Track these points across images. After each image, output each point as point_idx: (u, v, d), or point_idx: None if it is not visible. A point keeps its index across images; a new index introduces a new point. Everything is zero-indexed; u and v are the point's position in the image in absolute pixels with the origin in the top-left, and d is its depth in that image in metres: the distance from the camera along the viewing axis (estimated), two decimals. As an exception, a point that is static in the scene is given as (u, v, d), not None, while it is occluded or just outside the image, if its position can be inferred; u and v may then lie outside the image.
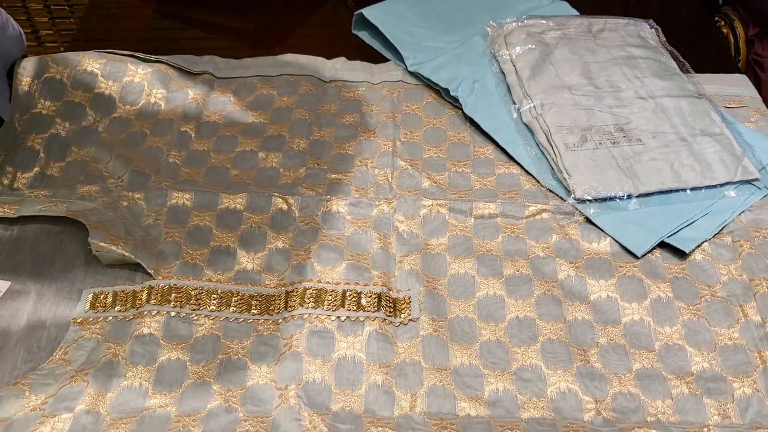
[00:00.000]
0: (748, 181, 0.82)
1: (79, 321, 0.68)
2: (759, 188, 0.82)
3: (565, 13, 1.04)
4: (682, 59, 0.97)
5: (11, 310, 0.69)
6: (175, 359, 0.65)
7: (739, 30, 1.16)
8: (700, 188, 0.81)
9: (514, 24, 0.98)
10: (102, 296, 0.70)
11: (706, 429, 0.62)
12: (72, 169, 0.82)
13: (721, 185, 0.82)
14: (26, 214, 0.75)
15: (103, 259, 0.72)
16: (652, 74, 0.92)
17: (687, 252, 0.75)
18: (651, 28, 1.01)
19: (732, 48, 1.17)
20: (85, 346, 0.66)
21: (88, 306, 0.69)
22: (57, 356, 0.65)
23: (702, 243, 0.76)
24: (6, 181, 0.80)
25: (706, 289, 0.73)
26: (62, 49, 1.15)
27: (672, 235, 0.76)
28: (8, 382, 0.63)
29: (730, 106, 0.93)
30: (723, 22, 1.20)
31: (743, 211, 0.80)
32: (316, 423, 0.60)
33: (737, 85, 0.96)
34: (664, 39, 1.00)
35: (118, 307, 0.69)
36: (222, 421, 0.61)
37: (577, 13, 1.05)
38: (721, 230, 0.78)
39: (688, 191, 0.81)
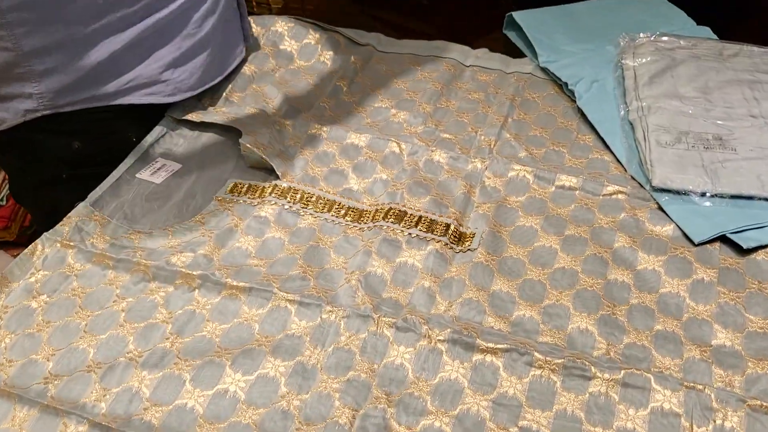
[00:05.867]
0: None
1: (219, 198, 0.88)
2: None
3: (703, 36, 1.09)
4: (814, 92, 0.98)
5: (176, 183, 0.91)
6: (277, 237, 0.83)
7: None
8: (781, 200, 0.84)
9: (646, 38, 1.06)
10: (240, 185, 0.90)
11: (702, 386, 0.66)
12: (248, 99, 1.04)
13: (807, 203, 0.84)
14: (206, 120, 0.97)
15: (247, 161, 0.93)
16: (772, 98, 0.96)
17: (745, 248, 0.79)
18: (791, 60, 1.04)
19: None
20: (217, 216, 0.86)
21: (228, 190, 0.90)
22: (197, 218, 0.86)
23: (766, 246, 0.80)
24: (201, 101, 1.04)
25: (755, 284, 0.76)
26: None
27: (737, 233, 0.80)
28: (161, 227, 0.85)
29: None
30: None
31: (822, 229, 0.81)
32: (365, 301, 0.74)
33: None
34: (803, 72, 1.02)
35: (248, 195, 0.89)
36: (296, 284, 0.77)
37: (716, 38, 1.10)
38: (791, 241, 0.80)
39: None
